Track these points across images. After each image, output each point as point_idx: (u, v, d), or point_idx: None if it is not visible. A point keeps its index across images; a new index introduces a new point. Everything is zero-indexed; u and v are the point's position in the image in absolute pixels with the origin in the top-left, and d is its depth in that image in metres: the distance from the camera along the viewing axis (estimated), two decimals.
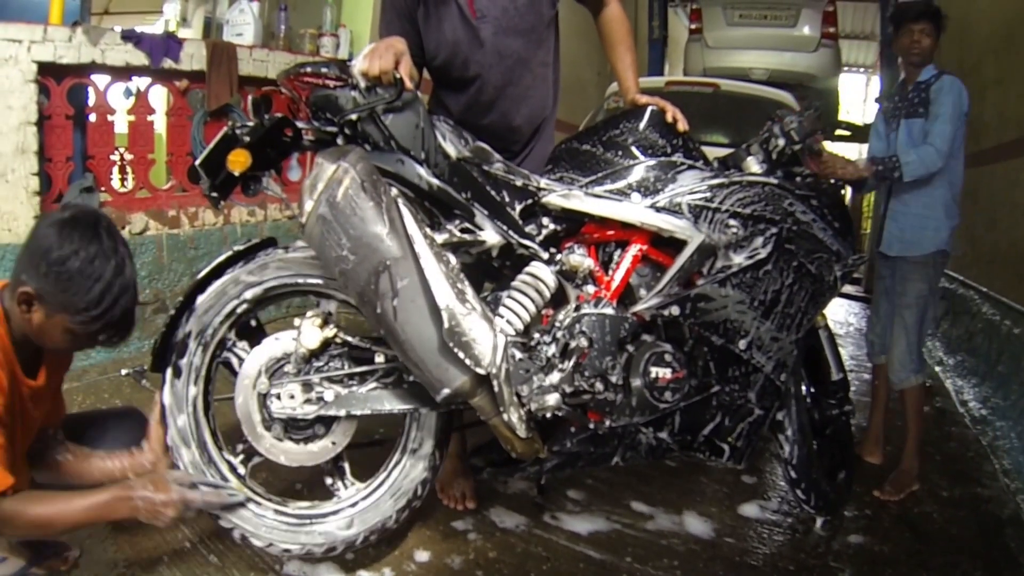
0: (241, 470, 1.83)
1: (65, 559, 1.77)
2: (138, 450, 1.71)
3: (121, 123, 3.43)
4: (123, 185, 3.52)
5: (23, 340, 1.42)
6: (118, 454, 1.69)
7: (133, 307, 1.44)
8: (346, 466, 1.89)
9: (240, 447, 1.84)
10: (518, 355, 1.67)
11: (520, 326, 1.72)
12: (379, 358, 1.78)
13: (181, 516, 1.56)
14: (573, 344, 1.70)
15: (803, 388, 2.13)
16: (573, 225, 1.83)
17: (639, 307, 1.77)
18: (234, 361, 1.81)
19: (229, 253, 1.78)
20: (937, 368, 4.24)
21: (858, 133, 6.80)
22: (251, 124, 1.67)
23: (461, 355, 1.50)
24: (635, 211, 1.77)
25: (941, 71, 2.54)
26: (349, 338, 1.78)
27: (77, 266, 1.34)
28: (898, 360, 2.57)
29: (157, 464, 1.68)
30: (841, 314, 5.63)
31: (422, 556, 1.96)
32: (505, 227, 1.75)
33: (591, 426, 1.77)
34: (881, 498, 2.48)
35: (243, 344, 1.83)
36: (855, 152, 13.43)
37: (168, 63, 3.39)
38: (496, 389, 1.57)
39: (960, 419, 3.43)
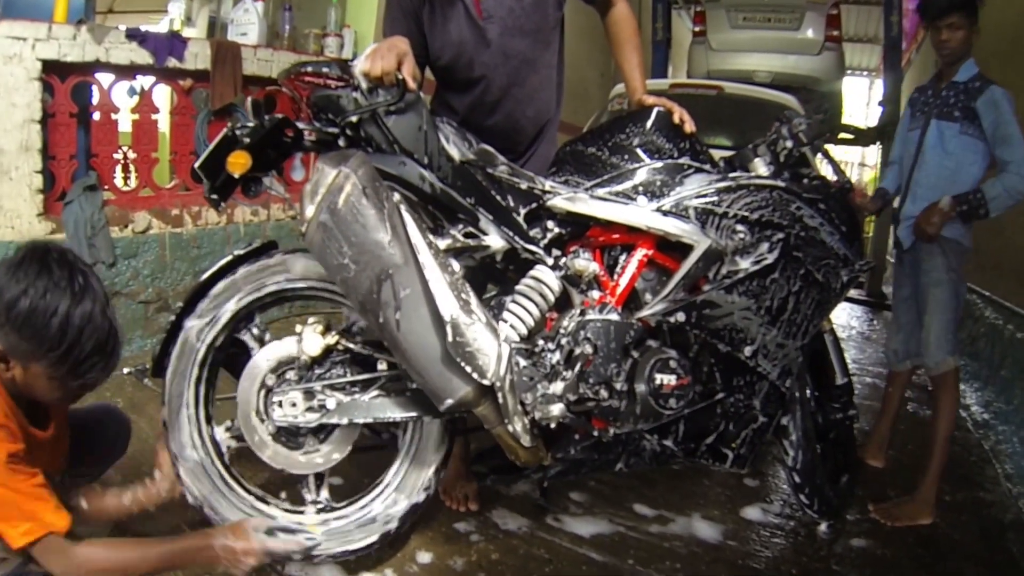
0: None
1: None
2: (151, 480, 1.71)
3: (125, 122, 3.42)
4: (126, 184, 3.52)
5: (20, 395, 1.34)
6: (132, 488, 1.67)
7: (107, 333, 1.32)
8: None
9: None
10: (522, 363, 1.67)
11: (524, 332, 1.70)
12: (381, 366, 1.77)
13: (260, 564, 1.53)
14: (578, 351, 1.69)
15: (807, 392, 2.12)
16: (578, 229, 1.81)
17: (644, 313, 1.76)
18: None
19: (230, 257, 1.77)
20: None
21: (861, 136, 6.78)
22: (251, 125, 1.66)
23: (465, 366, 1.49)
24: (641, 215, 1.76)
25: (985, 78, 2.36)
26: (351, 345, 1.77)
27: (28, 305, 1.23)
28: (933, 342, 2.40)
29: (172, 490, 1.68)
30: (844, 318, 5.62)
31: (424, 558, 1.96)
32: (509, 231, 1.74)
33: (595, 433, 1.77)
34: (877, 516, 2.36)
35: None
36: (858, 156, 13.43)
37: (172, 62, 3.38)
38: (500, 399, 1.55)
39: (963, 423, 3.41)
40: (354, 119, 1.66)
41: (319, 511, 1.84)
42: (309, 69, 1.69)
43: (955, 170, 2.39)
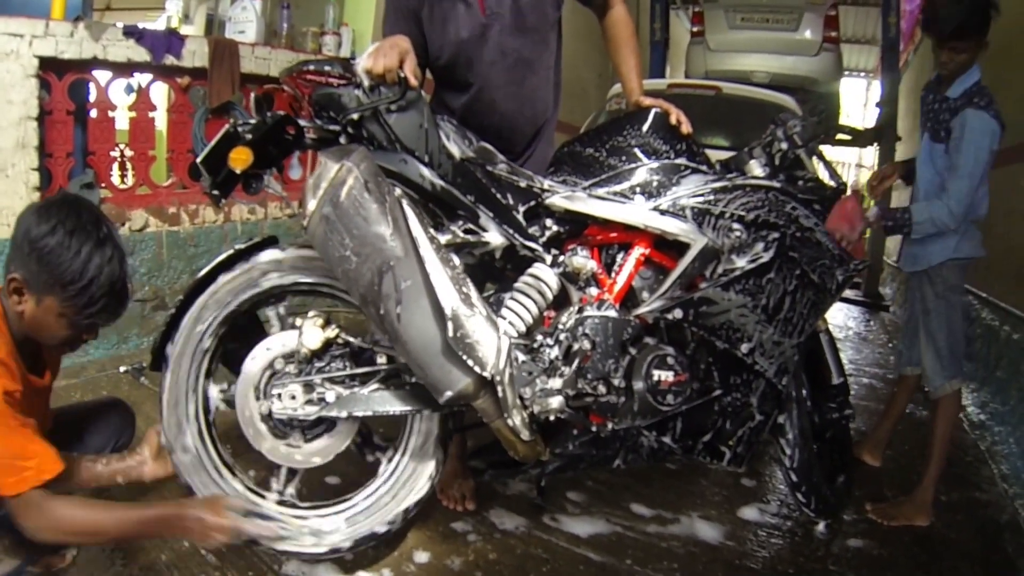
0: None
1: (62, 556, 1.76)
2: (129, 453, 1.70)
3: (122, 119, 3.42)
4: (123, 181, 3.52)
5: (24, 339, 1.42)
6: (108, 457, 1.66)
7: (122, 281, 1.43)
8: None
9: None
10: (521, 357, 1.67)
11: (523, 328, 1.71)
12: (381, 359, 1.77)
13: (230, 543, 1.51)
14: (576, 346, 1.70)
15: (803, 391, 2.13)
16: (576, 227, 1.82)
17: (642, 310, 1.77)
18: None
19: (230, 252, 1.77)
20: None
21: (859, 137, 6.81)
22: (253, 122, 1.66)
23: (465, 358, 1.49)
24: (638, 213, 1.77)
25: (969, 95, 2.25)
26: (351, 339, 1.78)
27: (56, 240, 1.33)
28: (929, 368, 2.41)
29: (146, 468, 1.67)
30: (841, 318, 5.64)
31: (421, 557, 1.96)
32: (509, 228, 1.74)
33: (593, 428, 1.77)
34: (874, 517, 2.37)
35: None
36: (855, 156, 13.45)
37: (170, 60, 3.38)
38: (500, 392, 1.56)
39: (958, 424, 3.42)
40: (356, 117, 1.66)
41: (279, 503, 1.84)
42: (311, 67, 1.70)
43: (943, 188, 2.32)
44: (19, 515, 1.33)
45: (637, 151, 1.86)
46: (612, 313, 1.74)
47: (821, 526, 2.28)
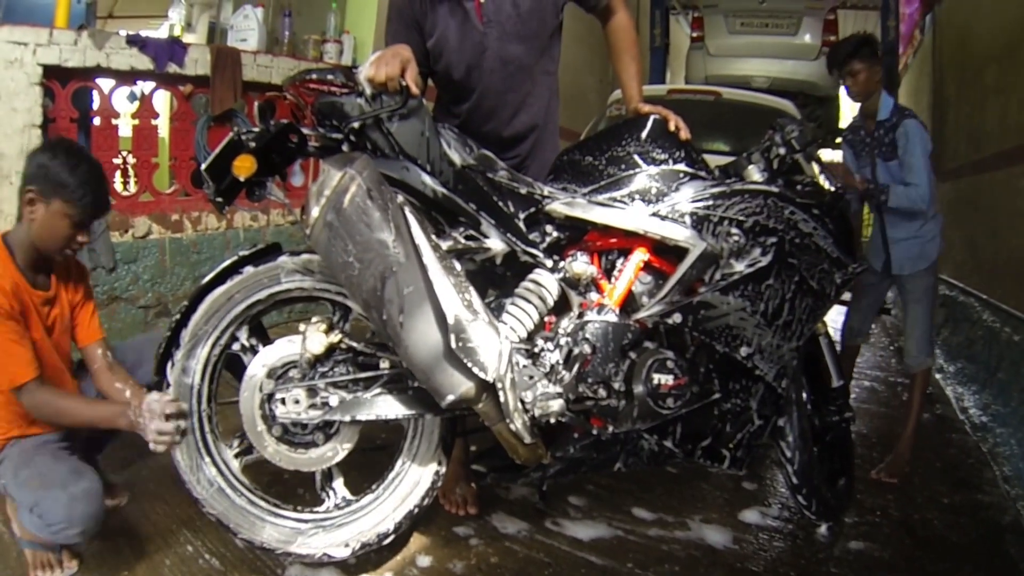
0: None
1: (114, 496, 2.09)
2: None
3: (125, 127, 3.45)
4: (126, 189, 3.54)
5: (29, 259, 1.79)
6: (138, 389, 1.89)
7: (101, 180, 1.84)
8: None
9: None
10: (523, 362, 1.68)
11: (524, 332, 1.73)
12: (384, 364, 1.78)
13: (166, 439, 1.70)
14: (577, 351, 1.71)
15: (804, 395, 2.14)
16: (576, 233, 1.83)
17: (642, 314, 1.78)
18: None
19: (234, 258, 1.78)
20: (937, 375, 4.24)
21: None
22: (257, 130, 1.68)
23: (467, 362, 1.50)
24: (638, 219, 1.78)
25: (900, 110, 2.70)
26: (354, 344, 1.79)
27: (57, 160, 1.76)
28: (915, 348, 2.82)
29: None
30: (840, 321, 5.61)
31: (424, 561, 1.97)
32: (509, 235, 1.76)
33: (594, 432, 1.78)
34: (877, 478, 2.68)
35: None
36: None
37: (172, 68, 3.41)
38: (501, 396, 1.57)
39: (960, 426, 3.43)
40: (358, 125, 1.68)
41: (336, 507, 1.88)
42: (314, 76, 1.72)
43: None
44: (18, 397, 1.72)
45: (636, 158, 1.87)
46: (612, 318, 1.75)
47: (822, 529, 2.28)
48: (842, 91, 7.14)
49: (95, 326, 1.96)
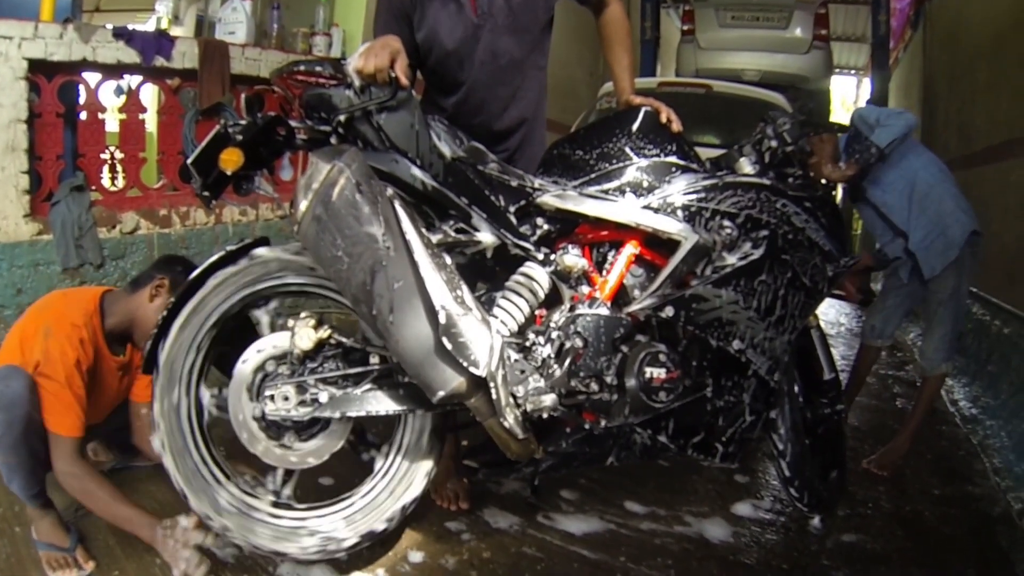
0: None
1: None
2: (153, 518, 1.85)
3: (112, 121, 3.41)
4: (114, 184, 3.51)
5: (117, 327, 1.93)
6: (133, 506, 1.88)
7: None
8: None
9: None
10: (514, 356, 1.67)
11: (515, 326, 1.71)
12: (374, 359, 1.77)
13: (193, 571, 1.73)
14: (568, 345, 1.70)
15: (796, 388, 2.14)
16: (567, 226, 1.82)
17: (633, 308, 1.77)
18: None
19: (222, 253, 1.76)
20: None
21: None
22: (244, 123, 1.66)
23: (458, 357, 1.49)
24: (629, 212, 1.77)
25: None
26: (344, 339, 1.77)
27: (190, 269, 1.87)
28: (933, 349, 2.71)
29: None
30: (833, 314, 5.66)
31: (416, 557, 1.96)
32: (500, 228, 1.74)
33: (586, 426, 1.77)
34: (868, 468, 2.69)
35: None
36: None
37: (160, 61, 3.37)
38: (493, 391, 1.56)
39: (951, 418, 3.45)
40: (346, 117, 1.66)
41: (274, 504, 1.84)
42: (302, 68, 1.70)
43: (926, 194, 2.62)
44: (53, 454, 1.75)
45: (627, 150, 1.86)
46: (604, 311, 1.74)
47: (815, 521, 2.29)
48: (832, 84, 7.21)
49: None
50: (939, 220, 2.59)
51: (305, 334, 1.71)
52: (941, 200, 2.61)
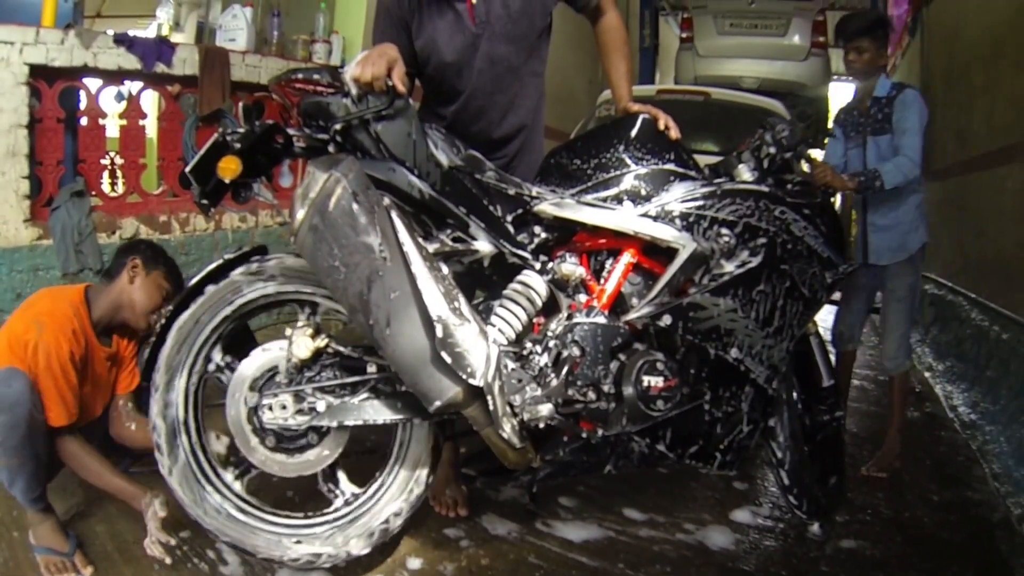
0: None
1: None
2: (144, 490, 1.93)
3: (112, 127, 3.41)
4: (113, 189, 3.51)
5: (104, 317, 1.99)
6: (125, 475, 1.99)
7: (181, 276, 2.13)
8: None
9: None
10: (511, 365, 1.67)
11: (512, 335, 1.71)
12: (371, 368, 1.77)
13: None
14: (565, 353, 1.70)
15: (794, 394, 2.14)
16: (565, 234, 1.82)
17: (631, 316, 1.77)
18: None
19: (219, 262, 1.77)
20: (927, 374, 4.26)
21: None
22: (242, 130, 1.67)
23: (455, 367, 1.49)
24: (627, 219, 1.77)
25: (901, 84, 2.68)
26: (341, 348, 1.77)
27: (153, 247, 2.10)
28: (894, 350, 2.79)
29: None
30: (830, 321, 5.64)
31: (414, 564, 1.96)
32: (497, 236, 1.74)
33: (584, 435, 1.77)
34: (868, 474, 2.70)
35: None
36: None
37: (160, 67, 3.38)
38: (490, 400, 1.56)
39: (950, 424, 3.45)
40: (343, 125, 1.66)
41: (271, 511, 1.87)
42: (300, 76, 1.70)
43: (904, 194, 2.65)
44: (54, 439, 1.84)
45: (625, 157, 1.86)
46: (601, 319, 1.74)
47: (814, 527, 2.28)
48: (831, 91, 7.22)
49: (134, 381, 2.11)
50: (904, 220, 2.67)
51: (302, 343, 1.72)
52: (917, 205, 2.70)
